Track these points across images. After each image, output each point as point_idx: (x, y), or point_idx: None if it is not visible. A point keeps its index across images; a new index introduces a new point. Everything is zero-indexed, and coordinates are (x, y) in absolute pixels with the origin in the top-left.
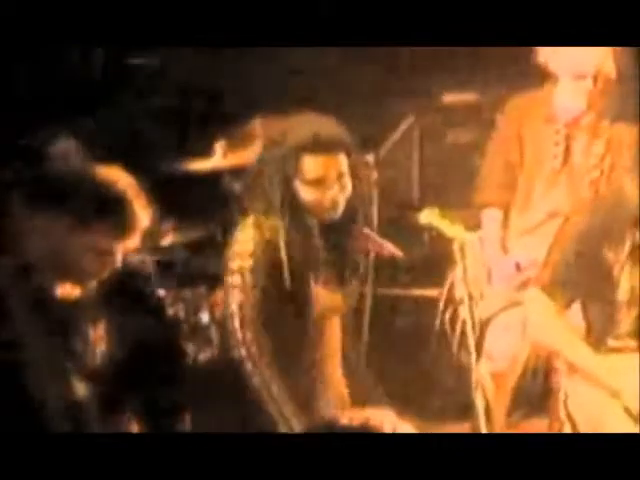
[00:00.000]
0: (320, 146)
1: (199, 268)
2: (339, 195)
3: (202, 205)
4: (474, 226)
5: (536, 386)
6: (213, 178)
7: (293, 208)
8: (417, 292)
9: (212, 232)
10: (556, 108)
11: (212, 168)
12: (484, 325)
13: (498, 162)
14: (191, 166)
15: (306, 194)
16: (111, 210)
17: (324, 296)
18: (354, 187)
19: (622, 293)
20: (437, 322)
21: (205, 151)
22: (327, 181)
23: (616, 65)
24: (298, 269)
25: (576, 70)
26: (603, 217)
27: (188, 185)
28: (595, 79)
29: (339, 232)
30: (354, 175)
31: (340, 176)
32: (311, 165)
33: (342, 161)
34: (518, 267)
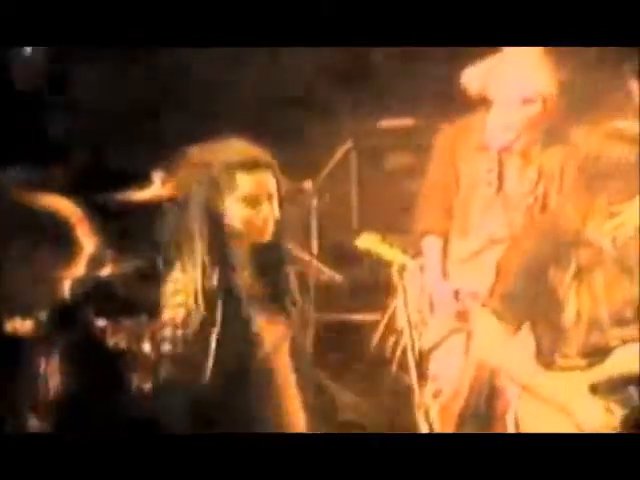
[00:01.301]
0: (250, 165)
1: (140, 297)
2: (269, 217)
3: (143, 234)
4: (415, 253)
5: (483, 407)
6: (153, 207)
7: (220, 240)
8: (357, 317)
9: (153, 261)
10: (489, 134)
11: (151, 197)
12: (428, 351)
13: (435, 188)
14: (130, 196)
15: (239, 212)
16: (55, 238)
17: (269, 331)
18: (288, 211)
19: (569, 314)
20: (378, 347)
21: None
22: (259, 200)
23: (553, 89)
24: (235, 307)
25: (510, 97)
26: (547, 240)
27: (128, 214)
28: (528, 105)
29: (275, 258)
30: (286, 199)
31: (270, 197)
32: (245, 181)
33: (270, 182)
34: (458, 294)
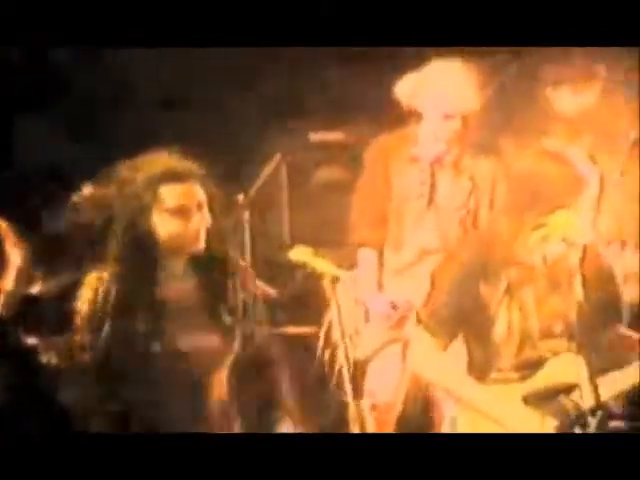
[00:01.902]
0: (174, 177)
1: (70, 314)
2: (201, 226)
3: (72, 251)
4: (349, 265)
5: (418, 418)
6: (81, 224)
7: (147, 255)
8: (293, 330)
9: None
10: (420, 147)
11: (79, 215)
12: (364, 363)
13: (368, 201)
14: (58, 213)
15: (167, 225)
16: None
17: (206, 347)
18: (219, 222)
19: (500, 328)
20: (315, 361)
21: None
22: (188, 210)
23: (479, 103)
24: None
25: (439, 109)
26: (479, 256)
27: (58, 232)
28: (457, 118)
29: (210, 271)
30: (217, 209)
31: (199, 206)
32: (169, 194)
33: (198, 191)
34: (394, 306)
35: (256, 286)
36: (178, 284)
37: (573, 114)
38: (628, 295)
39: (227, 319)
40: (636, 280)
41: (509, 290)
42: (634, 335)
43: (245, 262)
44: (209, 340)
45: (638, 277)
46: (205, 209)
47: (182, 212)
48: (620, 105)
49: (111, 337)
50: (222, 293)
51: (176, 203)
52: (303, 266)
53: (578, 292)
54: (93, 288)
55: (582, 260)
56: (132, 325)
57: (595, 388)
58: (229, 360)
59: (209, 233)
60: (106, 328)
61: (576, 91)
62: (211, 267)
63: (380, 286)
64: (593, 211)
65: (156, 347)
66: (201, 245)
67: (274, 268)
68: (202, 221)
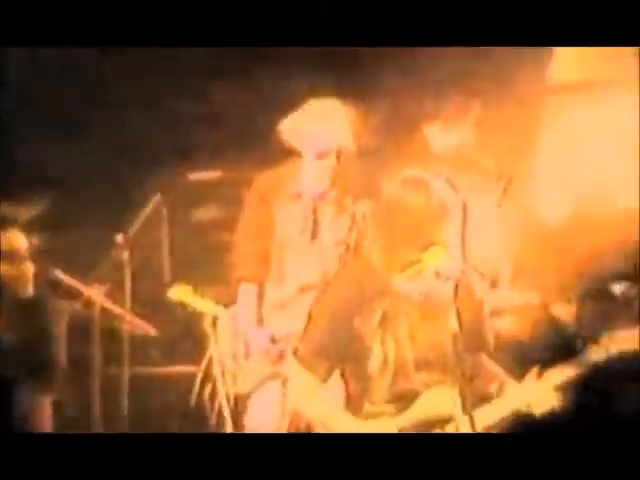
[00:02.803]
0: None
1: None
2: (30, 271)
3: None
4: (229, 302)
5: None
6: None
7: None
8: (174, 369)
9: None
10: (302, 184)
11: None
12: (243, 399)
13: (250, 238)
14: None
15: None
16: None
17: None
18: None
19: (375, 360)
20: (195, 398)
21: None
22: (15, 256)
23: (356, 142)
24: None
25: (318, 148)
26: (354, 288)
27: None
28: (336, 156)
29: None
30: (100, 253)
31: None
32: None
33: (21, 239)
34: (273, 340)
35: (135, 326)
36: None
37: (449, 148)
38: (495, 328)
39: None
40: (505, 313)
41: (383, 322)
42: (495, 367)
43: (124, 303)
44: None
45: (508, 310)
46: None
47: (8, 259)
48: (495, 139)
49: None
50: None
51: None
52: (183, 305)
53: (453, 324)
54: None
55: (455, 293)
56: None
57: (470, 419)
58: None
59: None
60: None
61: (451, 126)
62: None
63: (260, 321)
64: (459, 239)
65: None
66: (30, 290)
67: (155, 307)
68: (31, 268)
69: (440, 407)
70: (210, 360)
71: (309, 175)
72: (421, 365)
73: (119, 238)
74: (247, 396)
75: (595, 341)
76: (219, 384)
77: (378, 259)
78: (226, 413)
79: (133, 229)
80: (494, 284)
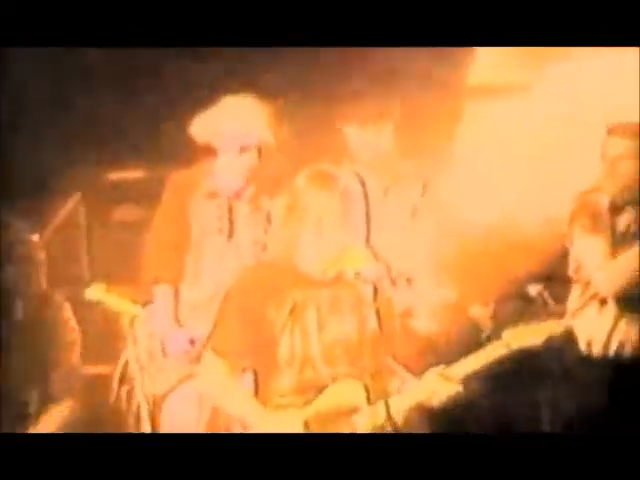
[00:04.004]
0: None
1: None
2: None
3: None
4: (146, 302)
5: None
6: None
7: None
8: (91, 370)
9: None
10: (217, 182)
11: None
12: (161, 398)
13: (166, 238)
14: None
15: None
16: None
17: None
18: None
19: (283, 351)
20: (112, 399)
21: None
22: None
23: (274, 137)
24: None
25: (234, 145)
26: (266, 281)
27: None
28: (252, 151)
29: None
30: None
31: None
32: None
33: None
34: (191, 340)
35: None
36: None
37: (367, 151)
38: (409, 327)
39: None
40: (421, 312)
41: (293, 313)
42: (398, 368)
43: None
44: None
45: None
46: None
47: None
48: (414, 144)
49: None
50: None
51: None
52: (100, 304)
53: (372, 324)
54: None
55: (375, 293)
56: None
57: (374, 412)
58: None
59: None
60: None
61: (369, 129)
62: None
63: (177, 321)
64: (364, 233)
65: None
66: None
67: (73, 307)
68: None
69: (346, 399)
70: (127, 360)
71: (225, 173)
72: (327, 358)
73: (34, 238)
74: (165, 396)
75: (497, 337)
76: (137, 384)
77: (287, 251)
78: (144, 413)
79: (50, 229)
80: (409, 283)
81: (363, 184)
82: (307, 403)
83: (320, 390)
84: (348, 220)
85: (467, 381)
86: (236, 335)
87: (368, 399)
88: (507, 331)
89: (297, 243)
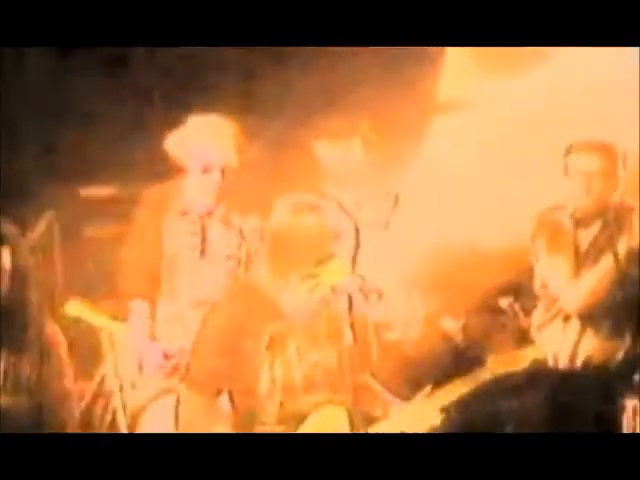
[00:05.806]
0: None
1: None
2: None
3: None
4: (122, 317)
5: None
6: None
7: None
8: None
9: None
10: (189, 200)
11: None
12: (137, 414)
13: (140, 254)
14: None
15: None
16: None
17: None
18: None
19: (264, 383)
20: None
21: None
22: None
23: (239, 157)
24: None
25: (201, 164)
26: (244, 310)
27: None
28: (217, 171)
29: None
30: None
31: None
32: None
33: None
34: (166, 355)
35: None
36: None
37: (338, 166)
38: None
39: None
40: (393, 327)
41: (272, 345)
42: (378, 387)
43: None
44: None
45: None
46: None
47: None
48: (384, 159)
49: None
50: None
51: None
52: (78, 321)
53: (348, 338)
54: None
55: (350, 308)
56: None
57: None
58: None
59: None
60: None
61: (339, 144)
62: None
63: (153, 337)
64: (351, 261)
65: None
66: None
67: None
68: None
69: (329, 427)
70: (104, 375)
71: (194, 191)
72: (308, 387)
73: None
74: (141, 410)
75: (481, 362)
76: (115, 398)
77: (267, 280)
78: (122, 426)
79: (24, 244)
80: (380, 298)
81: (348, 213)
82: (290, 432)
83: (303, 419)
84: (334, 248)
85: (452, 407)
86: (213, 362)
87: (351, 425)
88: (491, 357)
89: (282, 285)
